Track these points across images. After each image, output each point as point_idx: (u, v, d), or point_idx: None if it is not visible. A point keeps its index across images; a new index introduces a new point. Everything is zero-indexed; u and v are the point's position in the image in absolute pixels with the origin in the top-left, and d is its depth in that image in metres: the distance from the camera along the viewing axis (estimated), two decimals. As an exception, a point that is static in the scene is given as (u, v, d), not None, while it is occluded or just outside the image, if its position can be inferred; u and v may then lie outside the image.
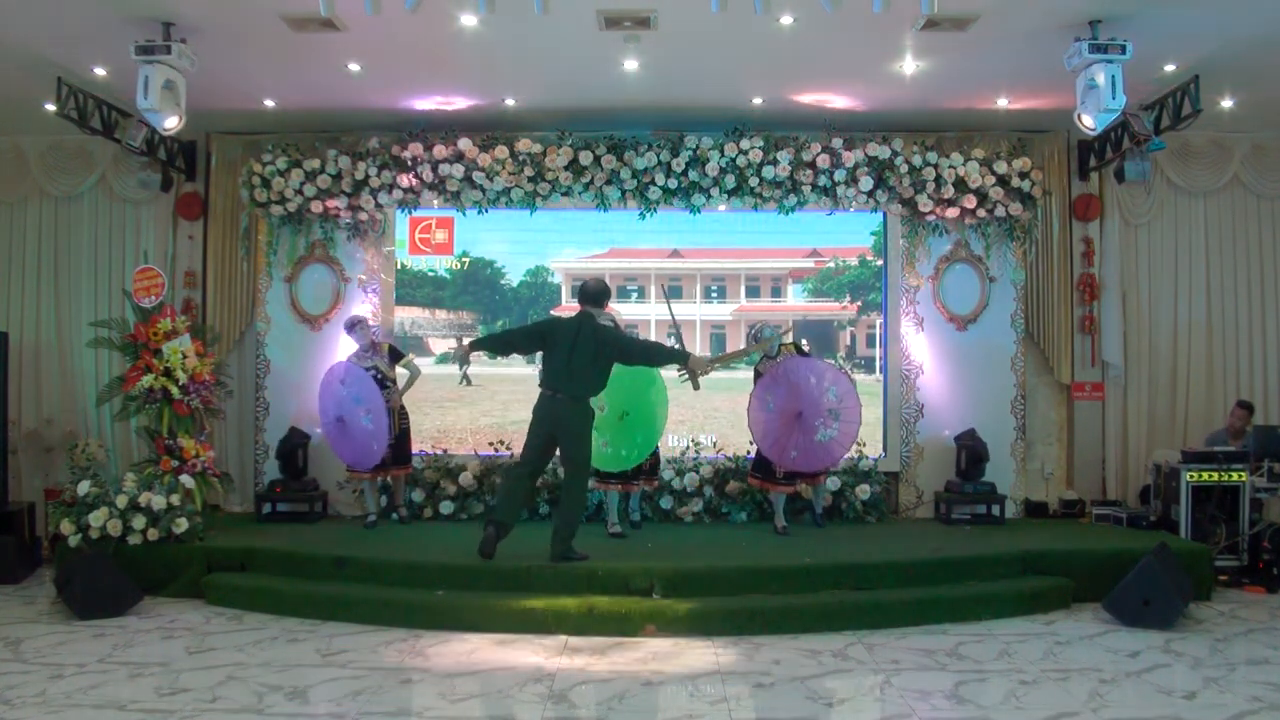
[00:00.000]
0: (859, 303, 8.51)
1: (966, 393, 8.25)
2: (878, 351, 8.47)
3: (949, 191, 8.09)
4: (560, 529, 6.18)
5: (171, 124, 6.46)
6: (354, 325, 7.57)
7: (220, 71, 6.84)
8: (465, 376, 7.05)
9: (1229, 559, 6.90)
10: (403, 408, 7.66)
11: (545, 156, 8.04)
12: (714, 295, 8.61)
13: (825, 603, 5.84)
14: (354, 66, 6.95)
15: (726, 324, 8.63)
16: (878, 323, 8.48)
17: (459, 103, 7.81)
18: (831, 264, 8.52)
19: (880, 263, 8.44)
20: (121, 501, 6.39)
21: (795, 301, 8.57)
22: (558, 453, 6.35)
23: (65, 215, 8.59)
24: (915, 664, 5.09)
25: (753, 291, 8.67)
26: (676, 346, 6.53)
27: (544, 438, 6.25)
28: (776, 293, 8.67)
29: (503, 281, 8.60)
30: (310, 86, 7.43)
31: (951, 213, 8.20)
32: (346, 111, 7.96)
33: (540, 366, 6.36)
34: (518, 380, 8.52)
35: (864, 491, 7.89)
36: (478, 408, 8.51)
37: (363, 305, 8.29)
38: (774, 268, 8.61)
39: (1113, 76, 5.92)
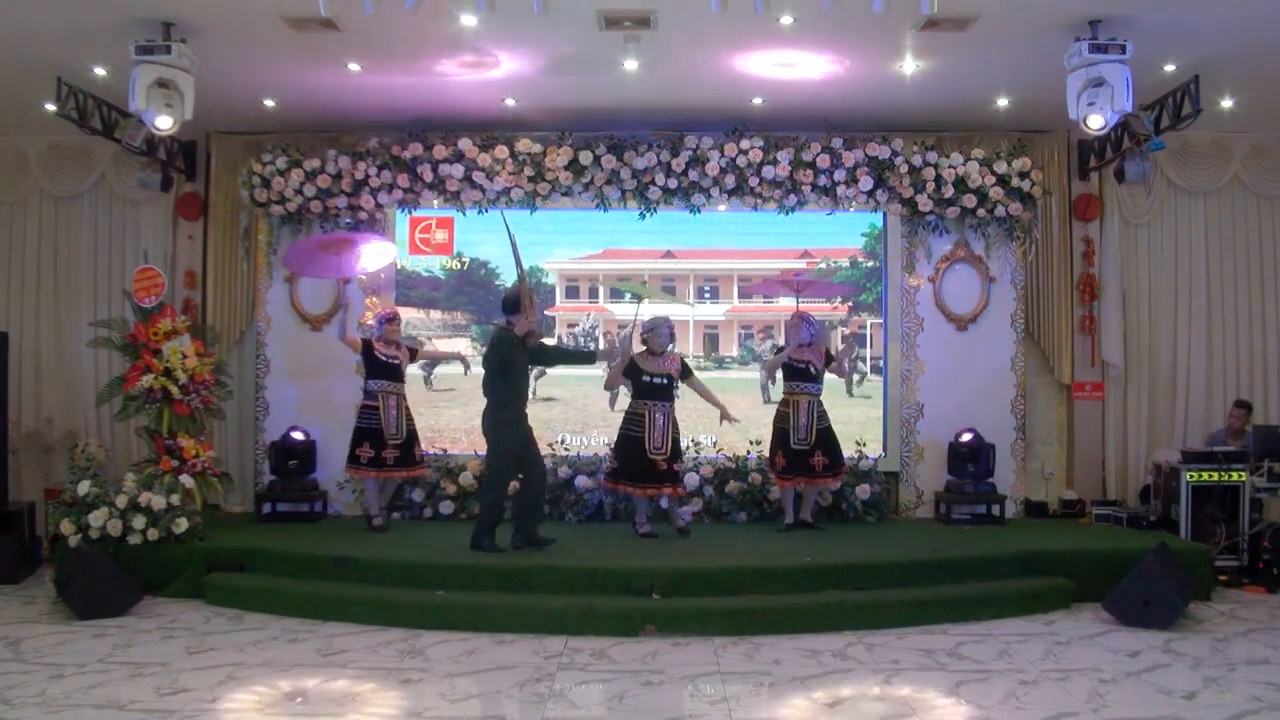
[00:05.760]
0: (849, 304, 8.51)
1: (966, 393, 8.23)
2: (875, 352, 8.48)
3: (949, 191, 8.08)
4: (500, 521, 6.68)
5: (165, 124, 6.38)
6: (390, 319, 7.55)
7: (220, 71, 6.82)
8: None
9: (1229, 559, 6.90)
10: (409, 410, 7.62)
11: (545, 156, 8.03)
12: (707, 296, 8.62)
13: (825, 603, 5.85)
14: (354, 66, 6.95)
15: (719, 324, 8.63)
16: (870, 323, 8.48)
17: (457, 105, 7.81)
18: (823, 265, 8.51)
19: (871, 264, 8.44)
20: (121, 501, 6.39)
21: (786, 302, 8.56)
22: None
23: (65, 215, 8.58)
24: (915, 664, 5.09)
25: (745, 292, 8.66)
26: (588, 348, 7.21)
27: (517, 452, 6.74)
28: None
29: (496, 282, 8.58)
30: (310, 86, 7.42)
31: (951, 213, 8.19)
32: (346, 111, 7.96)
33: (505, 386, 6.69)
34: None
35: (864, 491, 7.87)
36: (470, 408, 8.46)
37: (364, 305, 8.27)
38: (766, 268, 8.60)
39: (1126, 76, 5.93)
